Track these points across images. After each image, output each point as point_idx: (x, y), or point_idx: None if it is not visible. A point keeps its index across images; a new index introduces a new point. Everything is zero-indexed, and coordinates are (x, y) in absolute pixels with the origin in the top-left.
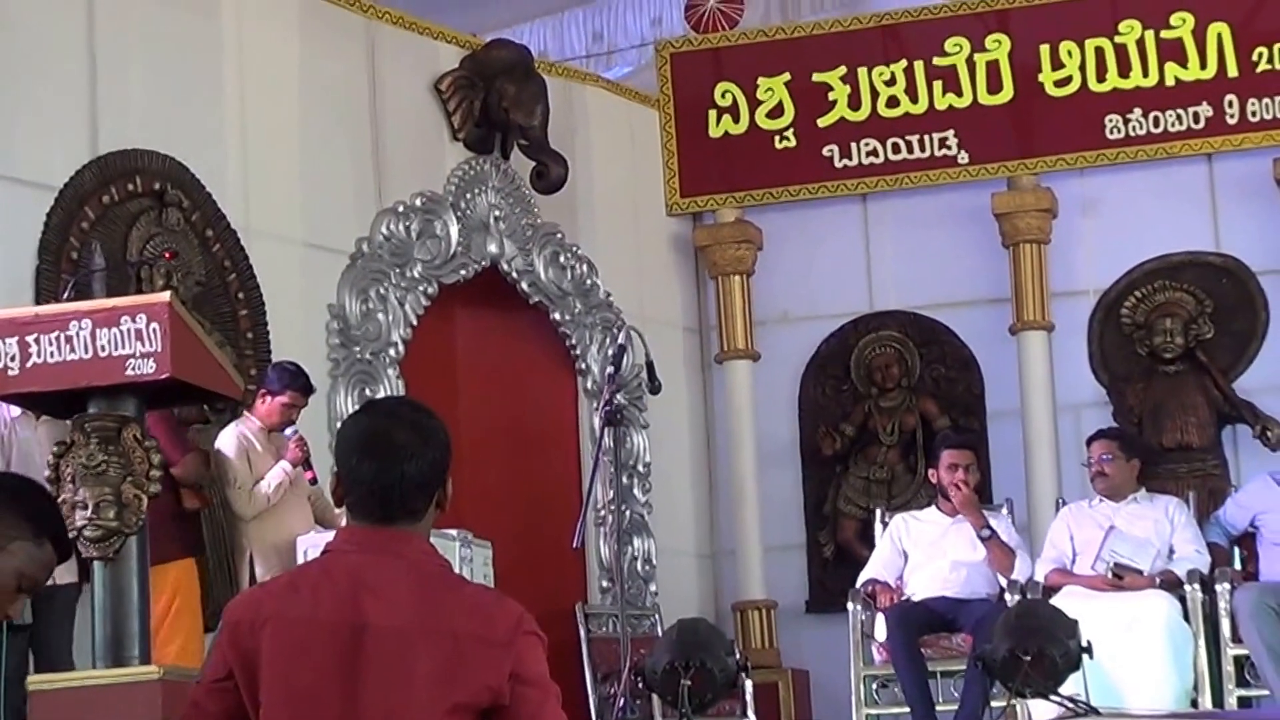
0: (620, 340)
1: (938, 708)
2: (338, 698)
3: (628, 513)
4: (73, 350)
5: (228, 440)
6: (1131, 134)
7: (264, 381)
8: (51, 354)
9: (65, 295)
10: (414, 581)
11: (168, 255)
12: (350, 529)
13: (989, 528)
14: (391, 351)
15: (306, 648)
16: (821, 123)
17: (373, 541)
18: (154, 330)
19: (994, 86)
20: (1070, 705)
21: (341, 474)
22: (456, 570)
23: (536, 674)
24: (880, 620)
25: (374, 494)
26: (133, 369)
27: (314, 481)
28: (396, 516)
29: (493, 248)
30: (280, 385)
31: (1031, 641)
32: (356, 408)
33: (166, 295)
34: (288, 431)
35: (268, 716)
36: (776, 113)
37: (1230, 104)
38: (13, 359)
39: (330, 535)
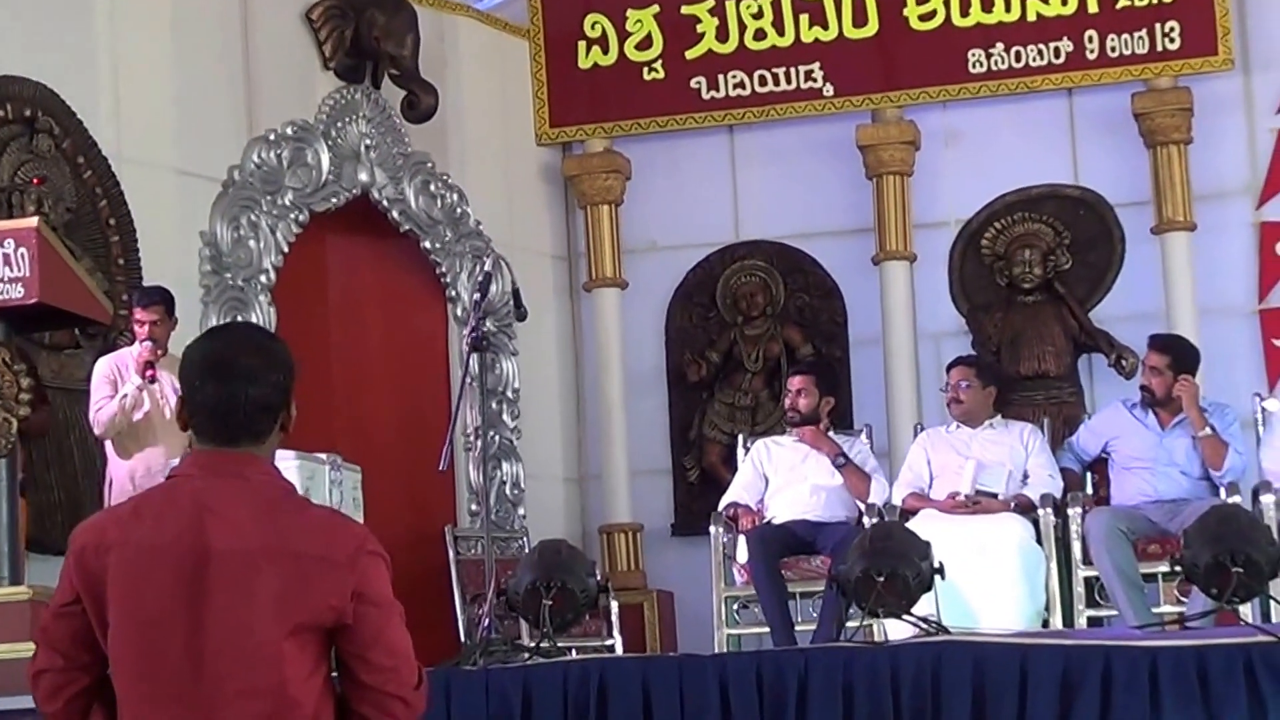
0: (487, 268)
1: (797, 627)
2: (184, 621)
3: (496, 438)
4: None
5: (99, 366)
6: (993, 68)
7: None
8: None
9: None
10: (257, 504)
11: (36, 181)
12: (195, 453)
13: (843, 456)
14: (263, 278)
15: (151, 572)
16: (689, 55)
17: (216, 465)
18: (22, 255)
19: (859, 20)
20: (923, 625)
21: (185, 397)
22: (326, 493)
23: (379, 593)
24: (742, 543)
25: (218, 416)
26: (1, 293)
27: (153, 380)
28: (240, 439)
29: (364, 176)
30: (131, 306)
31: (884, 563)
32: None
33: (34, 221)
34: (145, 344)
35: (115, 641)
36: (645, 44)
37: (1090, 40)
38: None
39: None
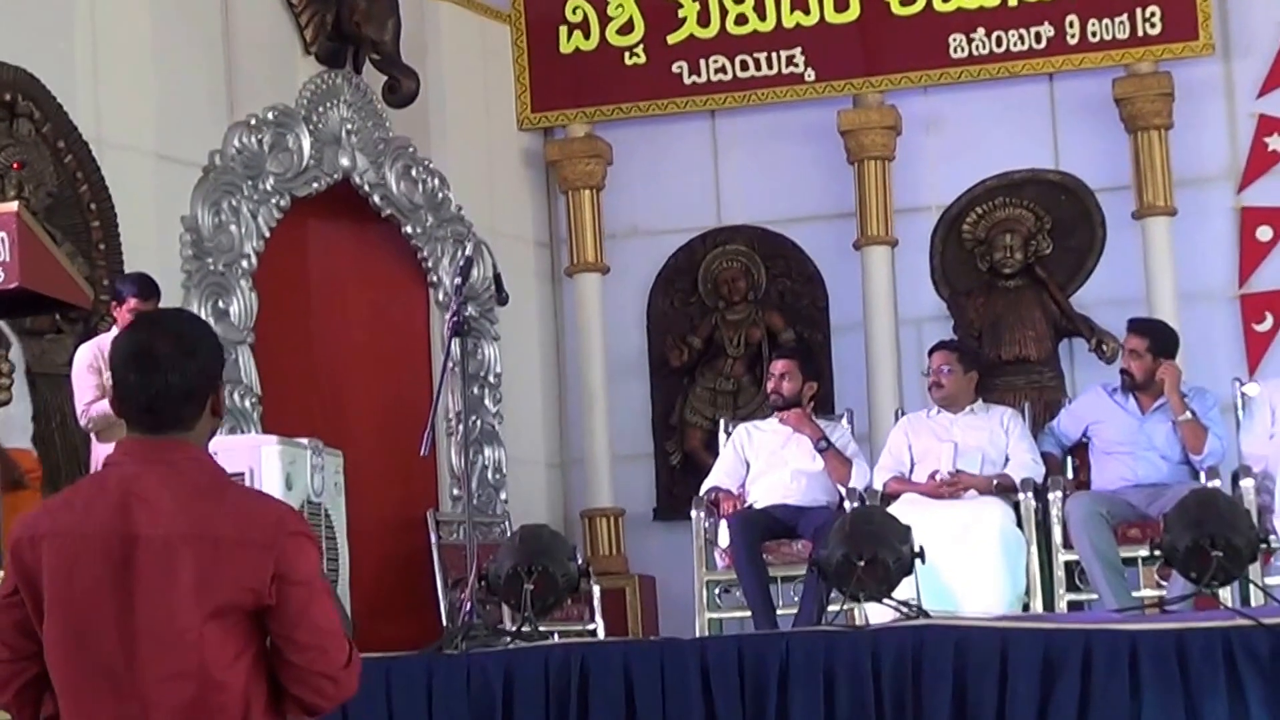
0: (468, 253)
1: (778, 611)
2: (113, 608)
3: (478, 423)
4: None
5: (81, 354)
6: (975, 53)
7: (115, 295)
8: None
9: None
10: (182, 489)
11: (16, 166)
12: (125, 441)
13: (825, 440)
14: (244, 264)
15: (81, 560)
16: (671, 39)
17: (145, 452)
18: (2, 240)
19: (841, 5)
20: (904, 609)
21: (114, 387)
22: (308, 478)
23: (303, 573)
24: (723, 527)
25: (142, 406)
26: None
27: None
28: (167, 426)
29: (345, 161)
30: (121, 294)
31: (865, 547)
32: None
33: (14, 205)
34: None
35: (50, 629)
36: (627, 29)
37: (1071, 24)
38: None
39: None
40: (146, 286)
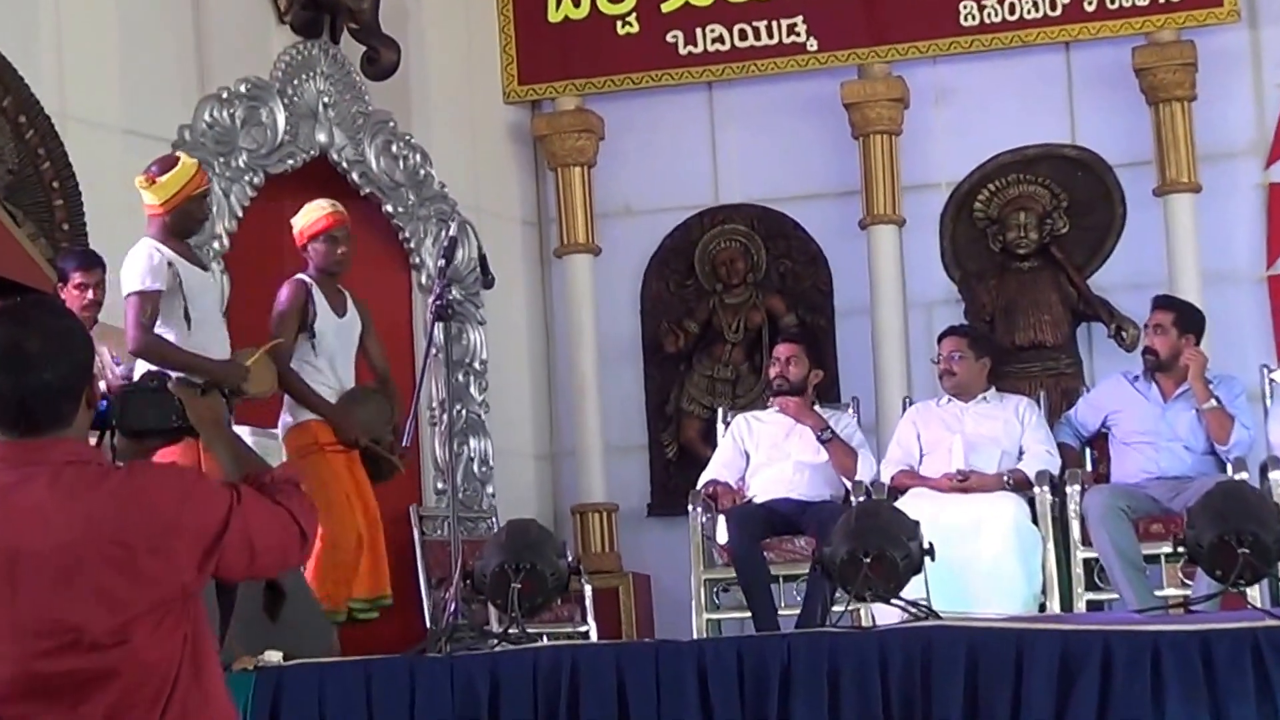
0: (452, 233)
1: (780, 612)
2: (15, 628)
3: (463, 412)
4: None
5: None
6: (987, 21)
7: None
8: None
9: None
10: (67, 494)
11: None
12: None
13: (829, 429)
14: (216, 245)
15: None
16: (665, 8)
17: (19, 456)
18: None
19: None
20: (912, 609)
21: None
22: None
23: (221, 524)
24: (722, 523)
25: (15, 406)
26: None
27: None
28: (43, 426)
29: (322, 136)
30: (64, 272)
31: (871, 543)
32: None
33: None
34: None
35: None
36: None
37: None
38: None
39: None
40: (87, 258)
